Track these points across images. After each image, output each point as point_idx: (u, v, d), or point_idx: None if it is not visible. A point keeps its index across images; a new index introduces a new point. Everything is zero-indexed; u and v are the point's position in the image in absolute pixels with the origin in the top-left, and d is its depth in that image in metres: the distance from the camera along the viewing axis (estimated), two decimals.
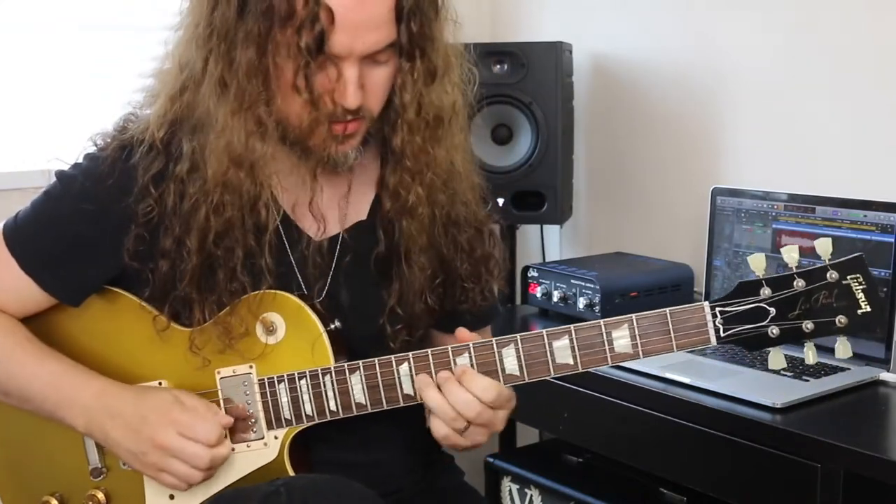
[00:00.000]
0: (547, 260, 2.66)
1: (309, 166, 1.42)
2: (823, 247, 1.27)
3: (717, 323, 1.30)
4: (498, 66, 2.41)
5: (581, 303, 2.18)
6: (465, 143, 1.52)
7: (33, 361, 1.45)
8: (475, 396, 1.34)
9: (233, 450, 1.44)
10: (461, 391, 1.34)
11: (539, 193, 2.44)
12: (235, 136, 1.35)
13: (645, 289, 2.22)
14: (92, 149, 1.46)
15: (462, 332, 1.39)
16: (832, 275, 1.27)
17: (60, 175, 1.47)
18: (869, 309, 1.26)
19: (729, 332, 1.29)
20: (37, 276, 1.46)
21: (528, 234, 2.78)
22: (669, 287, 2.25)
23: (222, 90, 1.35)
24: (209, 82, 1.35)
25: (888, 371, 1.82)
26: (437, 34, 1.40)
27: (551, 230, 2.73)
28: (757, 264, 1.28)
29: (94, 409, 1.42)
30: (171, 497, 1.45)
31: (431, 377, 1.36)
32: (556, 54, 2.40)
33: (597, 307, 2.15)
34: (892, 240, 1.85)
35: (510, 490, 2.26)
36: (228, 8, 1.32)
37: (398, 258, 1.47)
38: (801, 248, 1.29)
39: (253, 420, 1.43)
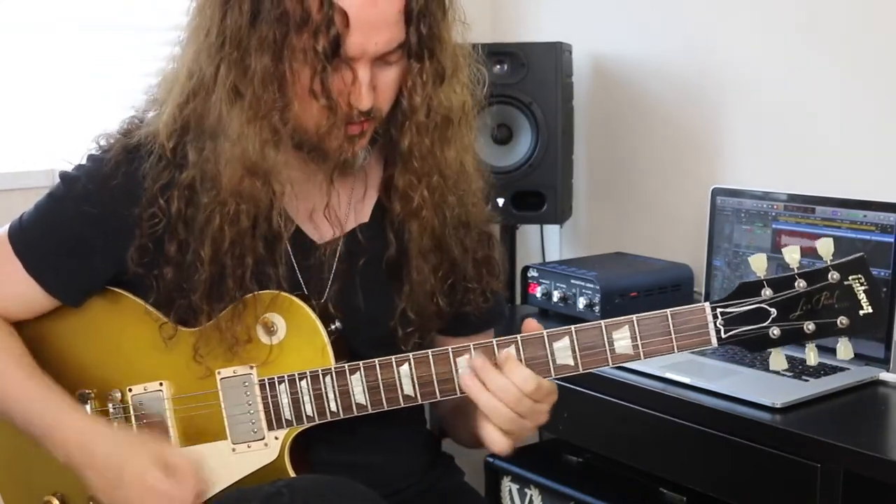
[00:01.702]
0: (547, 260, 2.66)
1: (325, 170, 1.41)
2: (825, 247, 1.27)
3: (718, 324, 1.29)
4: (498, 66, 2.40)
5: (581, 303, 2.18)
6: (475, 143, 1.51)
7: (18, 386, 1.43)
8: (514, 385, 1.31)
9: (233, 450, 1.44)
10: (499, 377, 1.31)
11: (539, 193, 2.44)
12: (250, 144, 1.34)
13: (645, 289, 2.22)
14: (95, 150, 1.47)
15: (531, 321, 1.37)
16: (834, 275, 1.26)
17: (64, 176, 1.47)
18: (871, 310, 1.26)
19: (730, 334, 1.29)
20: (40, 278, 1.46)
21: (528, 234, 2.78)
22: (669, 287, 2.25)
23: (236, 98, 1.33)
24: (221, 91, 1.34)
25: (888, 371, 1.82)
26: (445, 35, 1.40)
27: (551, 230, 2.73)
28: (758, 265, 1.28)
29: (73, 450, 1.40)
30: None
31: (475, 371, 1.33)
32: (556, 54, 2.40)
33: (597, 307, 2.15)
34: (892, 240, 1.85)
35: (510, 490, 2.26)
36: (241, 15, 1.31)
37: (407, 260, 1.47)
38: (801, 249, 1.29)
39: (253, 427, 1.43)
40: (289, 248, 1.45)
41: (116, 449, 1.39)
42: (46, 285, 1.46)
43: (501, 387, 1.31)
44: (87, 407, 1.49)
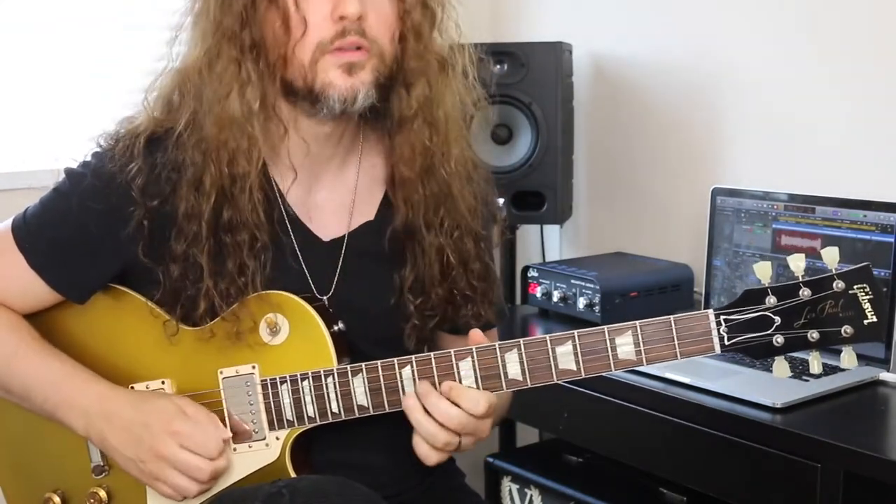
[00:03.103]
0: (547, 260, 2.66)
1: (327, 116, 1.40)
2: (830, 256, 1.27)
3: (721, 331, 1.29)
4: (498, 66, 2.41)
5: (581, 303, 2.18)
6: (463, 92, 1.50)
7: (36, 360, 1.45)
8: (463, 410, 1.33)
9: (234, 450, 1.44)
10: (443, 403, 1.34)
11: (539, 193, 2.44)
12: (225, 90, 1.36)
13: (645, 289, 2.22)
14: (99, 148, 1.47)
15: (476, 333, 1.39)
16: (839, 284, 1.26)
17: (69, 172, 1.48)
18: (875, 319, 1.26)
19: (733, 341, 1.29)
20: (43, 272, 1.46)
21: (528, 234, 2.78)
22: (669, 287, 2.26)
23: (217, 57, 1.36)
24: (198, 47, 1.38)
25: (888, 371, 1.83)
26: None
27: (551, 230, 2.73)
28: (762, 273, 1.28)
29: (94, 414, 1.42)
30: None
31: (418, 398, 1.36)
32: (556, 54, 2.40)
33: (597, 307, 2.15)
34: (892, 240, 1.85)
35: (510, 490, 2.26)
36: None
37: (412, 240, 1.47)
38: (800, 249, 1.29)
39: (255, 427, 1.44)
40: (294, 243, 1.46)
41: (138, 405, 1.41)
42: (48, 279, 1.47)
43: (445, 413, 1.33)
44: None
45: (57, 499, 1.53)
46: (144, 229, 1.41)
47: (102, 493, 1.50)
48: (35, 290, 1.48)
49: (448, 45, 1.45)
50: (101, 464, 1.50)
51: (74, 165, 1.48)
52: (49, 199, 1.48)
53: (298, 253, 1.47)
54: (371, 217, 1.51)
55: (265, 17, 1.36)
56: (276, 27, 1.36)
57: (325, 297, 1.47)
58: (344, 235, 1.50)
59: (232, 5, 1.36)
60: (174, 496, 1.40)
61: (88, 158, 1.47)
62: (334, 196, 1.49)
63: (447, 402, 1.34)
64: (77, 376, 1.44)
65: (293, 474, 1.43)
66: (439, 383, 1.36)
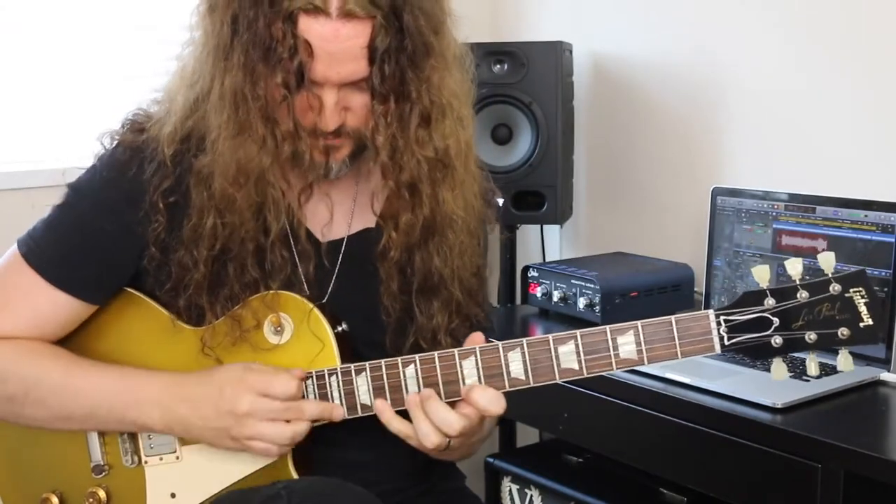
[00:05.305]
0: (547, 260, 2.66)
1: (305, 179, 1.43)
2: (826, 261, 1.28)
3: (721, 331, 1.30)
4: (498, 66, 2.41)
5: (581, 303, 2.19)
6: (466, 181, 1.48)
7: (94, 373, 1.44)
8: (481, 409, 1.34)
9: None
10: (442, 409, 1.34)
11: (539, 193, 2.45)
12: (236, 156, 1.36)
13: (645, 289, 2.22)
14: (102, 150, 1.47)
15: (477, 335, 1.40)
16: (835, 287, 1.28)
17: (74, 185, 1.48)
18: (871, 322, 1.27)
19: (733, 341, 1.30)
20: (68, 287, 1.45)
21: (528, 234, 2.78)
22: (669, 287, 2.26)
23: (223, 111, 1.36)
24: (213, 100, 1.37)
25: (888, 371, 1.83)
26: (429, 76, 1.38)
27: (551, 230, 2.73)
28: (761, 275, 1.30)
29: (167, 401, 1.41)
30: (173, 496, 1.46)
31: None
32: (556, 54, 2.40)
33: (597, 307, 2.15)
34: (893, 240, 1.85)
35: (510, 490, 2.26)
36: (223, 31, 1.34)
37: (404, 258, 1.46)
38: (800, 249, 1.30)
39: None
40: (292, 245, 1.45)
41: (205, 379, 1.40)
42: (72, 290, 1.45)
43: (444, 419, 1.34)
44: None
45: (55, 499, 1.52)
46: (157, 217, 1.42)
47: (102, 493, 1.50)
48: (65, 307, 1.46)
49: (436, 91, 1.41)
50: (101, 463, 1.50)
51: (77, 177, 1.48)
52: (55, 216, 1.47)
53: (296, 254, 1.46)
54: (371, 224, 1.50)
55: (261, 100, 1.35)
56: (266, 111, 1.36)
57: (324, 298, 1.47)
58: (343, 238, 1.50)
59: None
60: (270, 450, 1.38)
61: (94, 162, 1.48)
62: (334, 199, 1.49)
63: (446, 408, 1.34)
64: (136, 374, 1.44)
65: (294, 473, 1.43)
66: (443, 383, 1.37)
